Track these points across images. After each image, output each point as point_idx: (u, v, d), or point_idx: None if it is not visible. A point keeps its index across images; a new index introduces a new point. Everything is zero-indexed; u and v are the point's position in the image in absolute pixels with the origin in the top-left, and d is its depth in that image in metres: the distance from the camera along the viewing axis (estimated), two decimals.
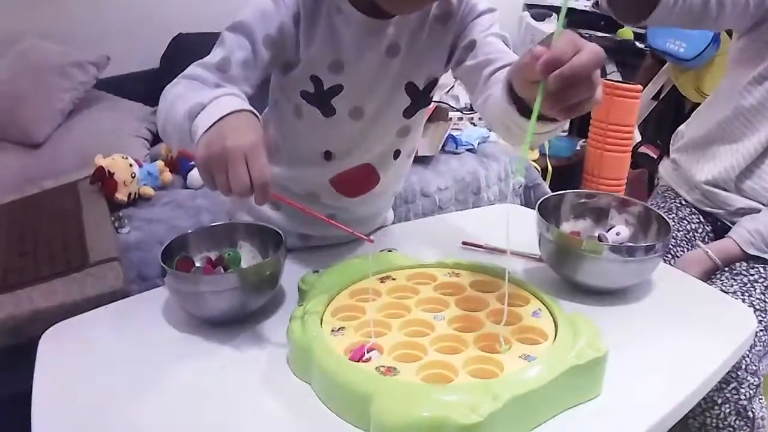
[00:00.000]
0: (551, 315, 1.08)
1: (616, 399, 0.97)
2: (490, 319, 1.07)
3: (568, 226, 1.44)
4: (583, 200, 1.46)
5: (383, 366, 0.94)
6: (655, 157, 3.78)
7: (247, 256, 1.31)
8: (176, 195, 2.74)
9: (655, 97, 4.28)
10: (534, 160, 3.74)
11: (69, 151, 2.98)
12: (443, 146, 3.23)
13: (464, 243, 1.51)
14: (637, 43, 4.40)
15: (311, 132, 1.38)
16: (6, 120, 2.98)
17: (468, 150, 3.34)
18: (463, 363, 0.95)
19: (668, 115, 4.43)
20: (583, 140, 4.21)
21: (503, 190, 3.28)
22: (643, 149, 3.86)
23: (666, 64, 4.13)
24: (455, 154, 3.27)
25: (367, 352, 0.98)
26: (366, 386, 0.89)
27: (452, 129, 3.35)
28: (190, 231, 1.30)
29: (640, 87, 3.73)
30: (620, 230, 1.40)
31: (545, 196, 1.39)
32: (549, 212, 1.36)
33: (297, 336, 1.02)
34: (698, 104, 2.41)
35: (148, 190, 2.71)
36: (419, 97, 1.37)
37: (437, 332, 1.04)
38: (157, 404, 0.97)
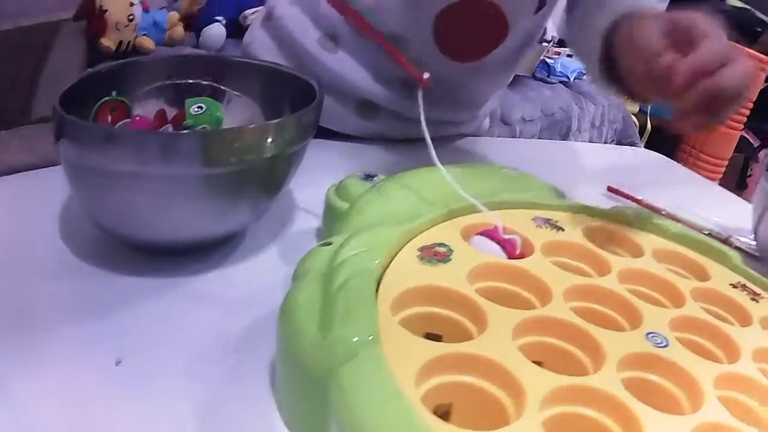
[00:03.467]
0: None
1: None
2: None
3: None
4: None
5: None
6: (755, 145, 3.61)
7: (239, 120, 0.70)
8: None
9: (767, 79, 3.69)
10: (633, 114, 3.18)
11: None
12: (534, 72, 2.81)
13: (611, 190, 1.01)
14: (757, 13, 3.82)
15: None
16: None
17: (562, 82, 2.88)
18: None
19: None
20: None
21: (594, 139, 2.84)
22: (743, 133, 3.47)
23: None
24: (547, 83, 2.81)
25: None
26: None
27: (545, 56, 2.88)
28: (143, 58, 0.77)
29: None
30: None
31: None
32: None
33: (306, 339, 0.40)
34: None
35: (147, 42, 2.17)
36: None
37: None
38: None
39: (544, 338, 0.46)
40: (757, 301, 0.57)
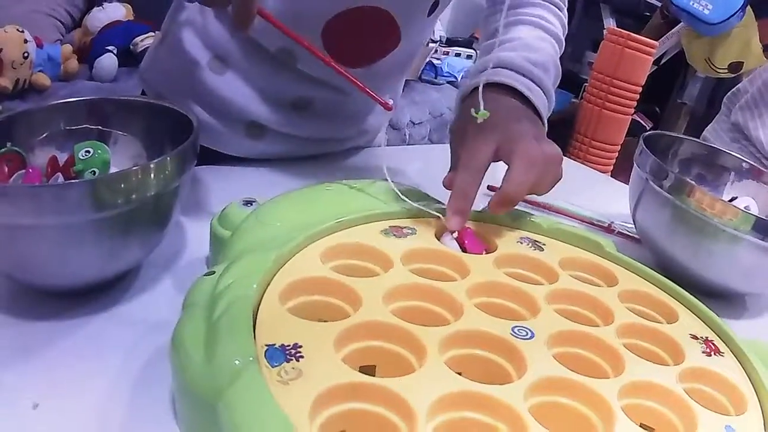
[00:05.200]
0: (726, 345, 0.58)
1: None
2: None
3: None
4: (701, 152, 1.03)
5: None
6: (648, 127, 3.72)
7: (125, 158, 0.74)
8: (78, 88, 2.22)
9: (656, 62, 3.76)
10: None
11: None
12: (420, 74, 2.84)
13: (491, 188, 1.02)
14: None
15: None
16: None
17: (449, 83, 2.94)
18: None
19: (664, 83, 4.03)
20: (574, 96, 3.83)
21: None
22: (634, 117, 3.55)
23: (678, 25, 3.62)
24: (435, 84, 2.86)
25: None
26: None
27: (432, 57, 2.94)
28: (33, 108, 0.75)
29: (656, 43, 3.28)
30: (748, 203, 0.97)
31: (648, 132, 0.93)
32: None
33: (193, 367, 0.44)
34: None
35: (43, 79, 2.17)
36: None
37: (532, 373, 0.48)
38: None
39: (411, 302, 0.54)
40: (710, 355, 0.55)
